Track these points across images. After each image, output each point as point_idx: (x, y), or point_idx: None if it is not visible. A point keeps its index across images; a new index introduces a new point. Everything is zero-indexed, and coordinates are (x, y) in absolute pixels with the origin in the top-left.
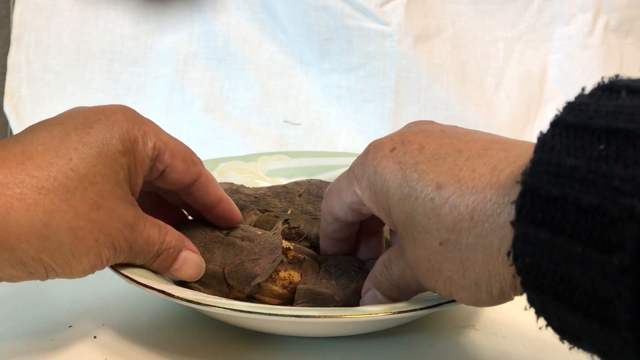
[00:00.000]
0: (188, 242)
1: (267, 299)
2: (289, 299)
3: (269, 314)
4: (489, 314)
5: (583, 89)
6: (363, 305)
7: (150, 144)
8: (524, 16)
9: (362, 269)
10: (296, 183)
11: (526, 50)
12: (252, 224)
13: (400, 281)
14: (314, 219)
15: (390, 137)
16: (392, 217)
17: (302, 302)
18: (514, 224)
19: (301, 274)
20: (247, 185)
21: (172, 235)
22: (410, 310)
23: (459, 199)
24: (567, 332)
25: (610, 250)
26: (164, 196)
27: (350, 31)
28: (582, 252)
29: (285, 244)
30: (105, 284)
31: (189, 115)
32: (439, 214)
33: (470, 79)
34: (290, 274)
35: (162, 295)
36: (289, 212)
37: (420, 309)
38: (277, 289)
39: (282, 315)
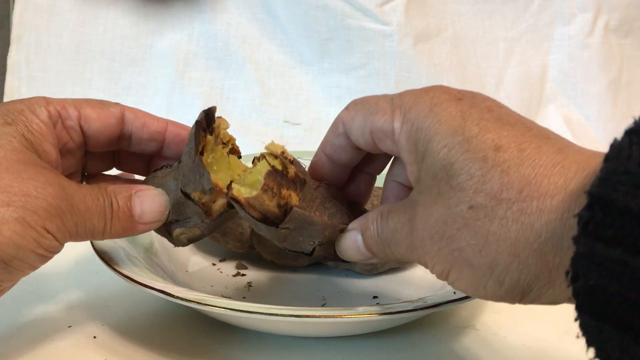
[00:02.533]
0: (135, 185)
1: (251, 211)
2: (275, 220)
3: (269, 314)
4: (489, 314)
5: None
6: (338, 243)
7: (40, 109)
8: (524, 16)
9: (352, 212)
10: None
11: (526, 50)
12: None
13: (390, 237)
14: None
15: (459, 90)
16: (424, 163)
17: (288, 227)
18: (577, 239)
19: (300, 199)
20: None
21: (113, 185)
22: (409, 310)
23: (515, 167)
24: None
25: None
26: (132, 169)
27: (350, 31)
28: None
29: (288, 155)
30: (105, 284)
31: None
32: (485, 175)
33: (470, 79)
34: (290, 194)
35: (162, 295)
36: None
37: (420, 309)
38: (271, 205)
39: (282, 315)
